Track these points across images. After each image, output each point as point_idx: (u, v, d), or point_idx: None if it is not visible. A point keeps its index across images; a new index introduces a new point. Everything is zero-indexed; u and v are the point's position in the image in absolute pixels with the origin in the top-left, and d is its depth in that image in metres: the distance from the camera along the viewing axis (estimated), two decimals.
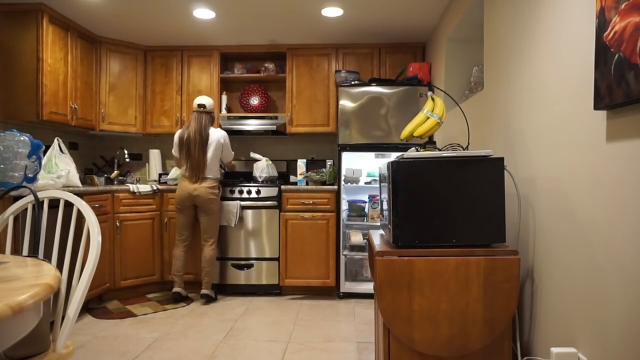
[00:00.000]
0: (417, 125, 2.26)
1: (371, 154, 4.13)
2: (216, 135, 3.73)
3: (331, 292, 4.00)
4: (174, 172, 4.21)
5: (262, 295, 4.00)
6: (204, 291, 3.70)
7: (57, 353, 1.39)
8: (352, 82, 3.94)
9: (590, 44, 1.45)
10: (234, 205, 3.92)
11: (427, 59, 4.27)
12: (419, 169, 1.86)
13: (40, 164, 2.88)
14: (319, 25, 3.90)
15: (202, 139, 3.66)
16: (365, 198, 4.04)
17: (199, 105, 3.71)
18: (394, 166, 1.86)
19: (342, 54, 4.36)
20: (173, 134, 4.60)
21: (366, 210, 4.00)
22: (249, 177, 4.43)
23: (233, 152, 3.93)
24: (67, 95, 3.73)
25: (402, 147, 3.72)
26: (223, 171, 4.21)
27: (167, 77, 4.47)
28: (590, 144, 1.46)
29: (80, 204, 1.67)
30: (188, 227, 3.78)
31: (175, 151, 3.78)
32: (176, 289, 3.74)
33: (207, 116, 3.73)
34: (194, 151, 3.64)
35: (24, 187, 1.89)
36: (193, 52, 4.45)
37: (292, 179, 4.40)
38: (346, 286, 3.92)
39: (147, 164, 4.77)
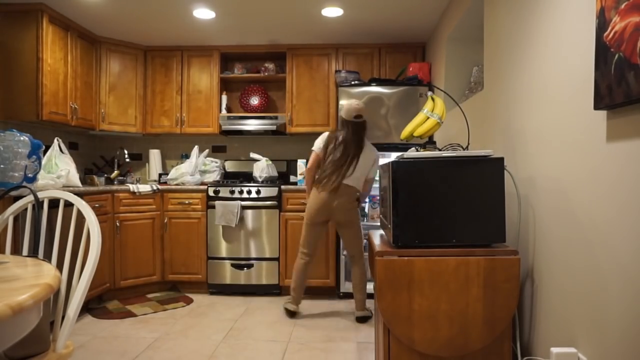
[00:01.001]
0: (417, 125, 2.26)
1: None
2: (370, 151, 3.33)
3: (331, 292, 4.00)
4: (174, 173, 4.21)
5: (262, 295, 4.00)
6: (357, 313, 3.36)
7: (57, 353, 1.39)
8: (352, 82, 3.94)
9: (590, 44, 1.45)
10: (234, 206, 3.92)
11: (427, 59, 4.27)
12: (419, 169, 1.86)
13: (40, 164, 2.88)
14: (319, 25, 3.90)
15: (358, 146, 3.25)
16: (366, 198, 4.03)
17: (356, 117, 3.24)
18: (394, 166, 1.86)
19: (342, 54, 4.36)
20: (173, 134, 4.61)
21: (366, 210, 4.00)
22: (249, 177, 4.43)
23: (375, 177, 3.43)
24: (67, 95, 3.73)
25: (402, 147, 3.71)
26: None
27: (167, 77, 4.47)
28: (590, 144, 1.46)
29: (80, 204, 1.67)
30: (318, 241, 3.41)
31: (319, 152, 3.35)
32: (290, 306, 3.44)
33: (362, 126, 3.30)
34: (346, 159, 3.23)
35: (24, 187, 1.89)
36: (193, 52, 4.45)
37: (292, 179, 4.40)
38: (346, 286, 3.92)
39: (147, 164, 4.77)
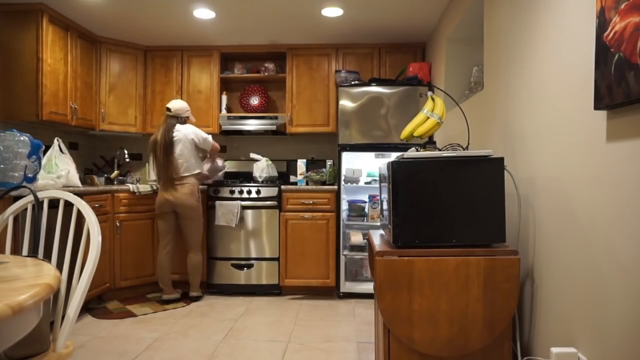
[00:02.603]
0: (417, 125, 2.26)
1: (371, 154, 4.13)
2: (184, 133, 3.66)
3: (331, 292, 4.00)
4: None
5: (262, 295, 4.00)
6: (193, 293, 3.81)
7: (57, 353, 1.39)
8: (352, 82, 3.94)
9: (590, 44, 1.45)
10: (234, 206, 3.92)
11: (427, 59, 4.27)
12: (419, 169, 1.86)
13: (40, 164, 2.88)
14: (319, 25, 3.90)
15: (166, 142, 3.60)
16: (365, 198, 4.04)
17: (166, 109, 3.71)
18: (394, 166, 1.86)
19: (342, 54, 4.36)
20: None
21: (366, 210, 4.00)
22: (249, 177, 4.43)
23: (211, 139, 3.80)
24: (67, 95, 3.73)
25: (402, 147, 3.71)
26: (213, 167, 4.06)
27: (167, 77, 4.47)
28: (590, 144, 1.46)
29: (80, 204, 1.67)
30: (169, 232, 3.75)
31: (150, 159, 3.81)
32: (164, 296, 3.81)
33: (173, 119, 3.68)
34: (160, 156, 3.62)
35: (24, 187, 1.89)
36: (193, 52, 4.45)
37: (292, 179, 4.40)
38: (346, 286, 3.92)
39: (147, 164, 4.77)
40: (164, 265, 3.73)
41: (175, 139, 3.64)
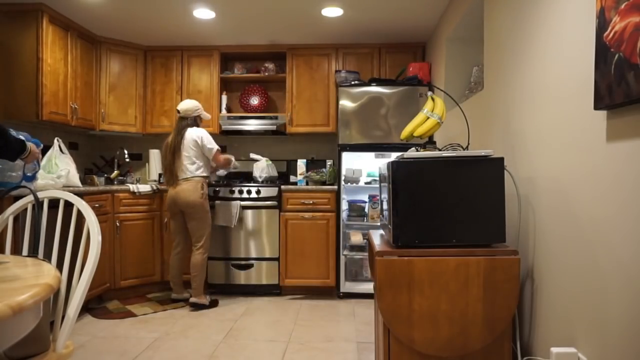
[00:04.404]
0: (417, 125, 2.26)
1: (371, 154, 4.12)
2: (191, 134, 3.62)
3: (331, 292, 4.00)
4: None
5: (262, 295, 4.00)
6: (192, 299, 3.60)
7: (57, 353, 1.39)
8: (352, 82, 3.94)
9: (590, 44, 1.45)
10: (233, 206, 3.92)
11: (427, 59, 4.27)
12: (419, 169, 1.86)
13: (39, 163, 2.87)
14: (319, 25, 3.90)
15: (175, 145, 3.60)
16: (365, 198, 4.04)
17: (177, 111, 3.70)
18: (394, 166, 1.86)
19: (342, 54, 4.36)
20: None
21: (366, 210, 4.00)
22: (249, 177, 4.43)
23: (215, 147, 3.65)
24: (67, 95, 3.73)
25: (402, 147, 3.71)
26: (219, 172, 4.10)
27: (167, 77, 4.47)
28: (590, 144, 1.46)
29: (80, 204, 1.67)
30: (178, 232, 3.71)
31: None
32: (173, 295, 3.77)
33: (183, 121, 3.66)
34: (168, 157, 3.62)
35: (24, 187, 1.89)
36: (193, 52, 4.45)
37: (292, 179, 4.40)
38: (346, 286, 3.92)
39: (147, 164, 4.77)
40: (174, 265, 3.71)
41: (184, 140, 3.61)
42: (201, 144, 3.62)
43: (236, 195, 3.99)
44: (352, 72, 4.12)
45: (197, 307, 3.59)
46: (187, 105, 3.69)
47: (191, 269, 3.61)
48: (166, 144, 3.67)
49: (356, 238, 3.91)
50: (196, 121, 3.71)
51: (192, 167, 3.60)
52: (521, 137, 2.05)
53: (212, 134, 4.51)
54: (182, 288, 3.75)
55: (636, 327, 1.23)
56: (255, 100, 4.60)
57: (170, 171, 3.61)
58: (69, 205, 1.72)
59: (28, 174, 2.77)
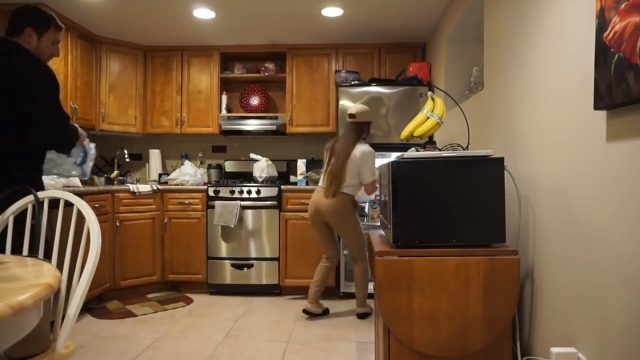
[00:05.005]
0: (417, 125, 2.26)
1: None
2: (358, 150, 3.24)
3: (331, 292, 4.00)
4: (176, 173, 4.21)
5: (262, 295, 4.00)
6: (357, 310, 3.41)
7: (57, 353, 1.39)
8: (352, 82, 3.94)
9: (590, 44, 1.45)
10: (233, 206, 3.92)
11: (427, 59, 4.27)
12: (419, 169, 1.86)
13: (84, 147, 2.79)
14: (319, 25, 3.90)
15: (342, 157, 3.23)
16: (367, 198, 4.03)
17: (349, 116, 3.28)
18: (394, 166, 1.86)
19: (342, 54, 4.36)
20: (173, 134, 4.61)
21: (366, 210, 4.00)
22: (249, 177, 4.43)
23: (370, 178, 3.24)
24: (67, 95, 3.73)
25: (402, 147, 3.71)
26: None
27: (167, 77, 4.47)
28: (590, 143, 1.46)
29: (80, 204, 1.67)
30: (323, 244, 3.44)
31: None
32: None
33: (356, 131, 3.28)
34: (331, 163, 3.29)
35: (24, 187, 1.88)
36: (193, 52, 4.45)
37: (292, 179, 4.40)
38: (346, 286, 3.92)
39: (147, 164, 4.77)
40: (317, 272, 3.44)
41: (350, 155, 3.23)
42: (359, 163, 3.23)
43: (236, 195, 3.99)
44: (352, 72, 4.12)
45: (361, 316, 3.40)
46: (361, 107, 3.30)
47: (355, 281, 3.41)
48: (332, 148, 3.34)
49: None
50: (365, 133, 3.33)
51: (345, 184, 3.26)
52: (521, 137, 2.05)
53: (212, 134, 4.55)
54: (316, 300, 3.41)
55: (636, 326, 1.23)
56: (255, 100, 4.61)
57: (329, 181, 3.27)
58: (69, 205, 1.72)
59: (76, 162, 2.65)
